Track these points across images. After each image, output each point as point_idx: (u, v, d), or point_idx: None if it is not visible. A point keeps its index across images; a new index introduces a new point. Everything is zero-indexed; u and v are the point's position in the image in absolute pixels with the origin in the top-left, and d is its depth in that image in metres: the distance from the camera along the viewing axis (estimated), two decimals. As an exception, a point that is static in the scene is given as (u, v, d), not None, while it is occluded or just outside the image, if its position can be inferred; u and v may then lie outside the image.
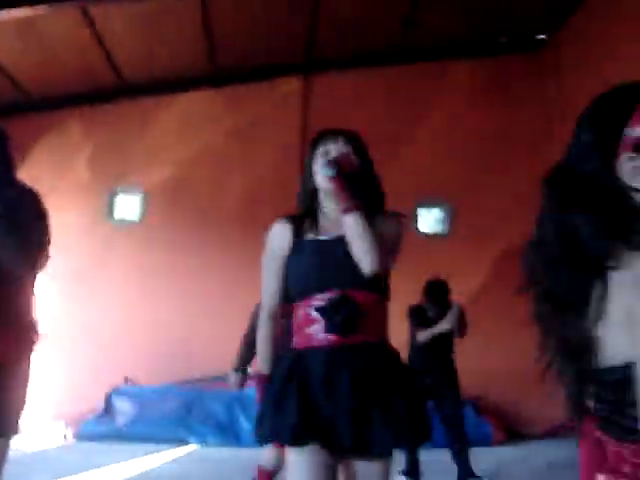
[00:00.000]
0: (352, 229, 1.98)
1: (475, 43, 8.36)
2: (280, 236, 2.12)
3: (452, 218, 8.20)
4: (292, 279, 2.10)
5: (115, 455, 5.73)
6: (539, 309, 1.12)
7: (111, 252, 7.87)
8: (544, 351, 1.13)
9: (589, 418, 1.06)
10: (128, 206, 8.25)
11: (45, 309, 7.67)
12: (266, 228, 2.18)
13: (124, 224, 8.14)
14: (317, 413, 1.89)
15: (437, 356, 4.91)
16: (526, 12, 7.61)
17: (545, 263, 1.11)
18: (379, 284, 2.05)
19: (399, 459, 4.73)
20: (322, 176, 2.04)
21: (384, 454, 1.96)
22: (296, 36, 7.62)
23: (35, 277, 2.18)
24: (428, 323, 4.90)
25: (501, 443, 6.60)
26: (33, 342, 2.11)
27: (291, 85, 8.29)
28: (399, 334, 5.02)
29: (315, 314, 1.99)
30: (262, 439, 2.03)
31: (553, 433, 6.71)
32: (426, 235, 8.24)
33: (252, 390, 4.71)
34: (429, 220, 8.38)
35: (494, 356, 7.26)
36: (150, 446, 6.21)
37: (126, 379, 7.42)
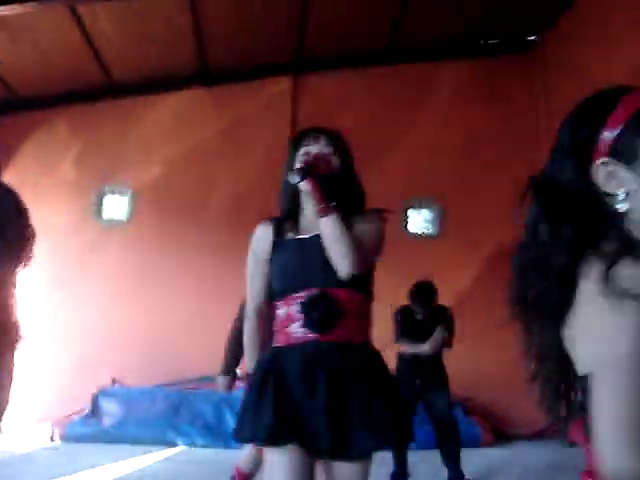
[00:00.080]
0: (327, 232, 1.96)
1: (464, 44, 8.37)
2: (262, 238, 2.12)
3: (441, 219, 8.21)
4: (274, 278, 2.09)
5: (102, 457, 5.69)
6: (515, 312, 1.13)
7: (99, 252, 7.82)
8: (526, 354, 1.13)
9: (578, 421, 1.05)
10: (116, 206, 8.20)
11: (32, 309, 7.63)
12: (255, 228, 2.18)
13: (112, 224, 8.09)
14: (294, 413, 1.87)
15: (426, 358, 4.90)
16: (515, 13, 7.62)
17: (521, 268, 1.12)
18: (361, 283, 2.03)
19: (388, 461, 4.72)
20: (290, 182, 2.03)
21: (363, 456, 1.93)
22: (286, 36, 7.60)
23: (16, 277, 2.15)
24: (415, 327, 4.89)
25: (489, 444, 6.60)
26: (15, 343, 2.09)
27: (280, 85, 8.27)
28: (386, 334, 5.04)
29: (294, 311, 1.97)
30: (239, 439, 2.01)
31: (541, 435, 6.73)
32: (415, 236, 8.24)
33: (241, 391, 4.69)
34: (418, 221, 8.38)
35: (483, 357, 7.26)
36: (137, 447, 6.17)
37: (113, 380, 7.38)
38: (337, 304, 1.96)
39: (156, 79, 8.12)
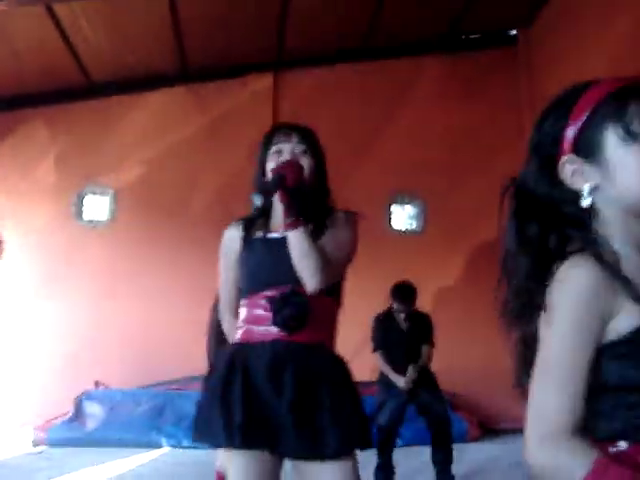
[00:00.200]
0: (295, 247, 1.93)
1: (445, 39, 8.36)
2: (232, 238, 2.10)
3: (426, 215, 8.21)
4: (242, 277, 2.06)
5: (86, 460, 5.63)
6: (499, 310, 1.14)
7: (80, 253, 7.74)
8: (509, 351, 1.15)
9: None
10: (97, 207, 8.11)
11: (12, 314, 7.58)
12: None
13: (93, 224, 8.01)
14: (262, 413, 1.83)
15: (412, 360, 4.89)
16: (496, 8, 7.63)
17: (500, 269, 1.13)
18: (331, 288, 2.00)
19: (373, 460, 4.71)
20: (253, 200, 2.02)
21: (335, 456, 1.87)
22: (265, 33, 7.56)
23: None
24: (395, 335, 4.90)
25: (477, 439, 6.62)
26: None
27: (261, 82, 8.22)
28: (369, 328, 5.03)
29: (261, 309, 1.94)
30: (207, 442, 1.96)
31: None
32: (399, 232, 8.24)
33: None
34: (402, 217, 8.38)
35: (469, 352, 7.28)
36: (122, 450, 6.12)
37: (97, 383, 7.31)
38: (308, 304, 1.94)
39: (136, 78, 8.04)
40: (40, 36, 6.85)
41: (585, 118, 1.05)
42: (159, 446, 6.43)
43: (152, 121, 8.15)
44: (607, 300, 0.97)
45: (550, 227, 1.06)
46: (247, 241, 2.06)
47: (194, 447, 6.37)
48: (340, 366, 2.02)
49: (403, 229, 8.31)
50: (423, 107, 8.26)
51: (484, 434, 6.84)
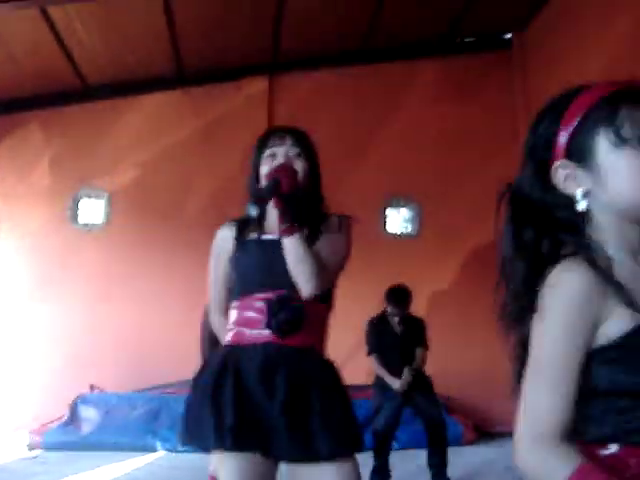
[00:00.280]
0: (291, 253, 1.92)
1: (440, 42, 8.38)
2: (224, 239, 2.09)
3: (421, 218, 8.21)
4: (236, 278, 2.05)
5: (81, 464, 5.61)
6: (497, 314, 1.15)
7: (75, 257, 7.73)
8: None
9: None
10: (92, 210, 8.10)
11: (7, 315, 7.54)
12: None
13: (88, 228, 8.00)
14: (254, 416, 1.82)
15: (407, 362, 4.90)
16: (493, 11, 7.65)
17: (500, 269, 1.13)
18: (323, 293, 2.01)
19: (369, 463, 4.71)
20: (250, 211, 2.00)
21: (329, 458, 1.86)
22: (261, 36, 7.56)
23: None
24: (389, 339, 4.90)
25: (472, 443, 6.62)
26: None
27: (256, 86, 8.22)
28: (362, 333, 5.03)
29: (255, 311, 1.94)
30: (190, 443, 1.94)
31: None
32: (394, 235, 8.24)
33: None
34: (397, 220, 8.38)
35: (464, 356, 7.29)
36: (117, 454, 6.10)
37: (92, 386, 7.29)
38: (303, 309, 1.94)
39: (131, 81, 8.04)
40: (35, 39, 6.84)
41: (577, 123, 1.05)
42: (154, 450, 6.41)
43: (147, 124, 8.14)
44: (598, 304, 0.97)
45: (545, 232, 1.07)
46: (240, 242, 2.05)
47: (189, 451, 6.35)
48: (330, 370, 2.02)
49: (398, 233, 8.31)
50: (418, 110, 8.27)
51: (480, 437, 6.84)
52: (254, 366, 1.88)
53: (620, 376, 0.96)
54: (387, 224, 8.28)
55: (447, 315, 7.24)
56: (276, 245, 1.97)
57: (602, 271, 0.98)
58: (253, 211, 1.98)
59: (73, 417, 6.81)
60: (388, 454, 4.76)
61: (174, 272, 7.66)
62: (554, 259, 1.04)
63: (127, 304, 7.54)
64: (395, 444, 5.03)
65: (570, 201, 1.06)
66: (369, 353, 4.97)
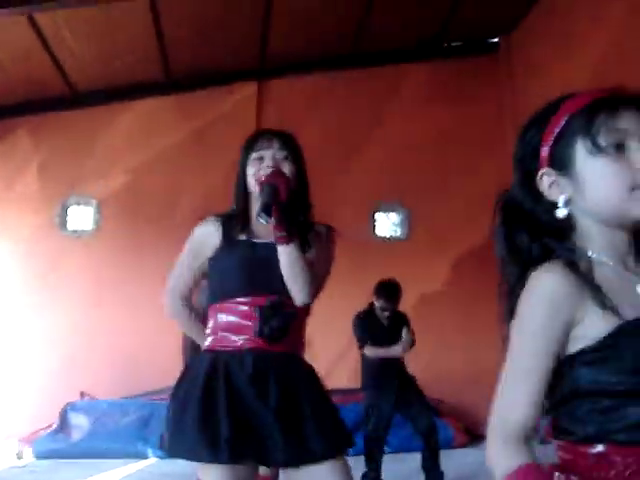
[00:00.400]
0: (287, 262, 1.92)
1: (428, 46, 8.41)
2: (208, 234, 2.05)
3: (410, 222, 8.23)
4: (218, 279, 2.02)
5: (71, 472, 5.59)
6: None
7: (64, 264, 7.69)
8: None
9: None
10: (81, 216, 8.07)
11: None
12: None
13: (77, 235, 7.96)
14: (248, 425, 1.81)
15: (396, 363, 4.90)
16: (480, 15, 7.69)
17: (501, 272, 1.17)
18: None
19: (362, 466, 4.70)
20: (260, 220, 1.95)
21: (324, 458, 1.87)
22: (249, 41, 7.57)
23: None
24: (378, 331, 4.88)
25: (463, 445, 6.62)
26: None
27: (245, 91, 8.23)
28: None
29: (241, 316, 1.92)
30: (174, 454, 1.88)
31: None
32: (384, 239, 8.26)
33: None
34: (387, 224, 8.39)
35: (453, 358, 7.31)
36: (108, 461, 6.06)
37: (82, 394, 7.25)
38: (294, 316, 1.94)
39: (119, 87, 8.02)
40: (23, 46, 6.82)
41: (557, 132, 1.09)
42: (145, 457, 6.37)
43: (136, 130, 8.13)
44: (574, 306, 1.01)
45: (535, 237, 1.11)
46: (228, 241, 2.02)
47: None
48: (314, 374, 2.04)
49: (387, 236, 8.33)
50: (406, 114, 8.30)
51: (471, 440, 6.85)
52: (245, 373, 1.87)
53: (600, 377, 0.98)
54: (376, 228, 8.29)
55: (437, 318, 7.26)
56: (265, 250, 1.97)
57: (580, 274, 1.02)
58: (264, 220, 1.93)
59: (63, 424, 6.77)
60: (381, 458, 4.75)
61: (164, 278, 7.61)
62: (543, 262, 1.07)
63: (117, 310, 7.51)
64: (386, 448, 5.02)
65: (555, 207, 1.10)
66: (361, 345, 4.89)
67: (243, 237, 2.03)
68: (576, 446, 1.01)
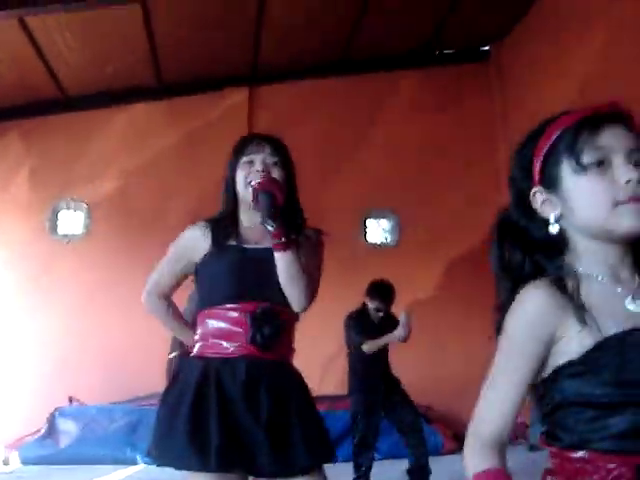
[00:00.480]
0: (285, 268, 1.91)
1: (422, 54, 8.45)
2: (195, 239, 2.03)
3: (400, 228, 8.25)
4: (208, 285, 2.00)
5: (59, 478, 5.55)
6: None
7: (54, 268, 7.66)
8: None
9: None
10: (72, 221, 8.04)
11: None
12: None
13: (67, 239, 7.93)
14: (238, 434, 1.80)
15: (382, 366, 4.90)
16: (472, 24, 7.74)
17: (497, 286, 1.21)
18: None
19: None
20: (268, 230, 1.93)
21: (303, 472, 1.86)
22: (241, 47, 7.57)
23: None
24: (372, 330, 4.86)
25: (452, 452, 6.61)
26: None
27: (236, 97, 8.23)
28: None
29: (232, 323, 1.90)
30: (162, 461, 1.87)
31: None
32: (374, 246, 8.27)
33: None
34: (377, 231, 8.41)
35: (442, 365, 7.31)
36: (96, 467, 6.03)
37: (70, 399, 7.21)
38: (286, 324, 1.93)
39: (111, 92, 8.01)
40: (14, 49, 6.81)
41: (546, 151, 1.13)
42: (134, 463, 6.33)
43: (127, 135, 8.11)
44: (556, 323, 1.05)
45: (528, 253, 1.15)
46: (217, 246, 2.00)
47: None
48: (302, 381, 2.02)
49: (378, 243, 8.34)
50: (398, 122, 8.33)
51: (460, 447, 6.83)
52: (237, 381, 1.86)
53: (584, 389, 1.03)
54: (367, 234, 8.30)
55: (427, 325, 7.25)
56: (258, 255, 1.97)
57: (565, 291, 1.06)
58: (271, 227, 1.91)
59: (51, 430, 6.73)
60: (370, 464, 4.74)
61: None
62: (534, 279, 1.11)
63: (107, 315, 7.47)
64: (376, 454, 5.01)
65: (548, 224, 1.14)
66: (358, 345, 4.79)
67: (232, 242, 2.01)
68: (562, 451, 1.06)
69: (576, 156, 1.08)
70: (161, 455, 1.88)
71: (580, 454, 1.03)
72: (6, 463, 6.31)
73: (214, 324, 1.94)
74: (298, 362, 2.09)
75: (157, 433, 1.91)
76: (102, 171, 7.98)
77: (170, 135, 8.10)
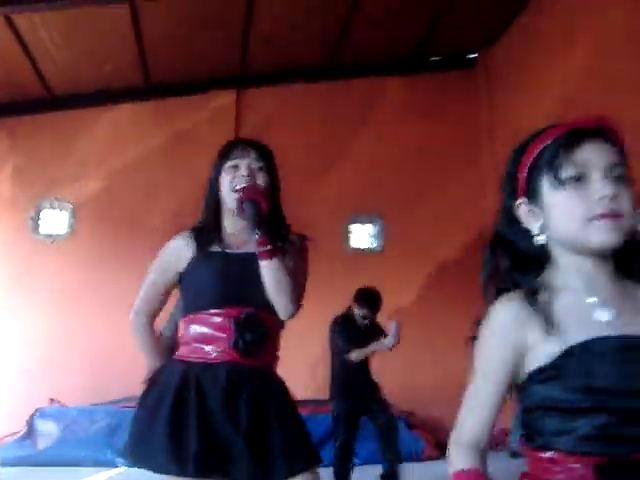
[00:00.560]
0: (271, 276, 1.91)
1: (409, 60, 8.48)
2: (179, 248, 2.02)
3: (385, 234, 8.27)
4: (190, 290, 2.00)
5: (38, 480, 5.50)
6: None
7: (36, 268, 7.60)
8: None
9: None
10: (55, 220, 7.99)
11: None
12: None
13: (50, 239, 7.88)
14: (217, 440, 1.79)
15: (364, 371, 4.91)
16: (459, 31, 7.78)
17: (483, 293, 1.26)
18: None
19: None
20: (254, 237, 1.93)
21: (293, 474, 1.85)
22: (230, 49, 7.57)
23: None
24: (357, 335, 4.86)
25: (433, 458, 6.62)
26: None
27: (223, 99, 8.23)
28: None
29: (215, 328, 1.89)
30: (139, 464, 1.84)
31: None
32: (359, 251, 8.28)
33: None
34: (362, 236, 8.42)
35: (427, 371, 7.32)
36: (76, 470, 5.98)
37: (51, 400, 7.15)
38: (270, 330, 1.93)
39: (98, 92, 7.98)
40: (0, 47, 6.76)
41: (530, 164, 1.17)
42: (115, 465, 6.27)
43: (113, 136, 8.08)
44: (525, 333, 1.11)
45: (515, 265, 1.19)
46: (201, 253, 1.99)
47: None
48: (284, 388, 2.01)
49: (363, 248, 8.35)
50: (384, 127, 8.35)
51: (442, 454, 6.84)
52: (218, 387, 1.84)
53: (552, 394, 1.09)
54: (352, 239, 8.31)
55: (411, 331, 7.23)
56: (239, 261, 1.96)
57: (535, 303, 1.12)
58: (257, 235, 1.91)
59: (30, 431, 6.66)
60: (350, 469, 4.74)
61: (138, 285, 7.55)
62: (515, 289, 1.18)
63: (89, 316, 7.43)
64: (356, 460, 5.01)
65: (531, 236, 1.18)
66: (345, 352, 4.77)
67: (216, 248, 2.00)
68: (534, 452, 1.13)
69: (555, 171, 1.12)
70: (140, 458, 1.85)
71: (548, 454, 1.10)
72: (-16, 464, 6.24)
73: (197, 329, 1.93)
74: (281, 366, 2.08)
75: (135, 435, 1.89)
76: (88, 171, 7.94)
77: (157, 136, 8.08)
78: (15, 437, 6.62)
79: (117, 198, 7.89)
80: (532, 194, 1.17)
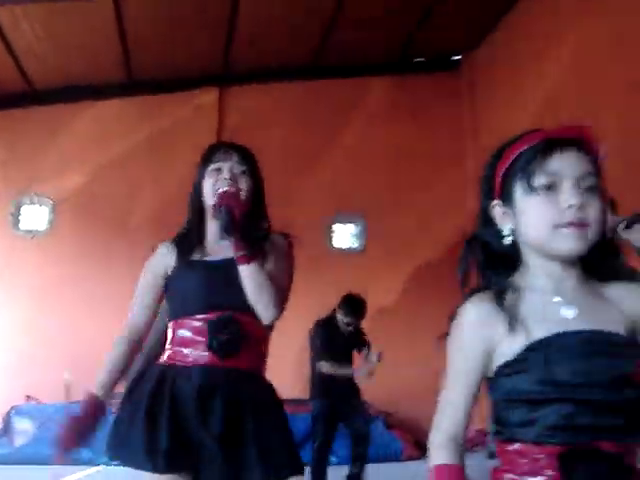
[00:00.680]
0: (249, 281, 1.90)
1: (393, 62, 8.50)
2: (163, 256, 2.03)
3: (367, 233, 8.28)
4: (174, 298, 2.00)
5: (14, 478, 5.44)
6: None
7: (15, 264, 7.54)
8: None
9: None
10: (35, 216, 7.93)
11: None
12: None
13: (30, 234, 7.81)
14: (189, 441, 1.80)
15: (342, 376, 4.90)
16: (443, 33, 7.81)
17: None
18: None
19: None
20: (227, 241, 1.93)
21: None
22: (214, 47, 7.55)
23: None
24: (337, 341, 4.87)
25: (413, 458, 6.64)
26: None
27: (206, 97, 8.20)
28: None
29: (195, 332, 1.89)
30: (118, 459, 1.90)
31: (465, 447, 6.81)
32: (341, 250, 8.28)
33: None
34: (345, 235, 8.43)
35: (408, 371, 7.33)
36: (52, 468, 5.92)
37: (28, 397, 7.08)
38: (244, 330, 1.92)
39: (79, 88, 7.92)
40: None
41: (505, 168, 1.21)
42: (92, 464, 6.24)
43: (95, 132, 8.03)
44: (491, 331, 1.17)
45: (489, 265, 1.24)
46: (183, 261, 2.00)
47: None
48: (268, 392, 2.00)
49: (345, 247, 8.36)
50: (367, 127, 8.37)
51: (422, 453, 6.87)
52: (191, 388, 1.84)
53: (516, 387, 1.14)
54: (334, 239, 8.32)
55: (392, 330, 7.28)
56: (219, 266, 1.96)
57: (502, 302, 1.17)
58: (230, 241, 1.91)
59: (6, 429, 6.61)
60: (325, 469, 4.75)
61: (117, 282, 7.51)
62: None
63: (69, 313, 7.40)
64: (334, 459, 5.02)
65: (501, 237, 1.23)
66: (320, 357, 4.82)
67: (197, 256, 2.01)
68: (502, 444, 1.18)
69: (527, 178, 1.16)
70: (120, 456, 1.91)
71: (515, 446, 1.14)
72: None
73: (180, 333, 1.94)
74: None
75: (116, 435, 1.92)
76: (69, 167, 7.89)
77: (139, 133, 8.04)
78: (-9, 435, 6.57)
79: (98, 194, 7.84)
80: (506, 197, 1.21)
